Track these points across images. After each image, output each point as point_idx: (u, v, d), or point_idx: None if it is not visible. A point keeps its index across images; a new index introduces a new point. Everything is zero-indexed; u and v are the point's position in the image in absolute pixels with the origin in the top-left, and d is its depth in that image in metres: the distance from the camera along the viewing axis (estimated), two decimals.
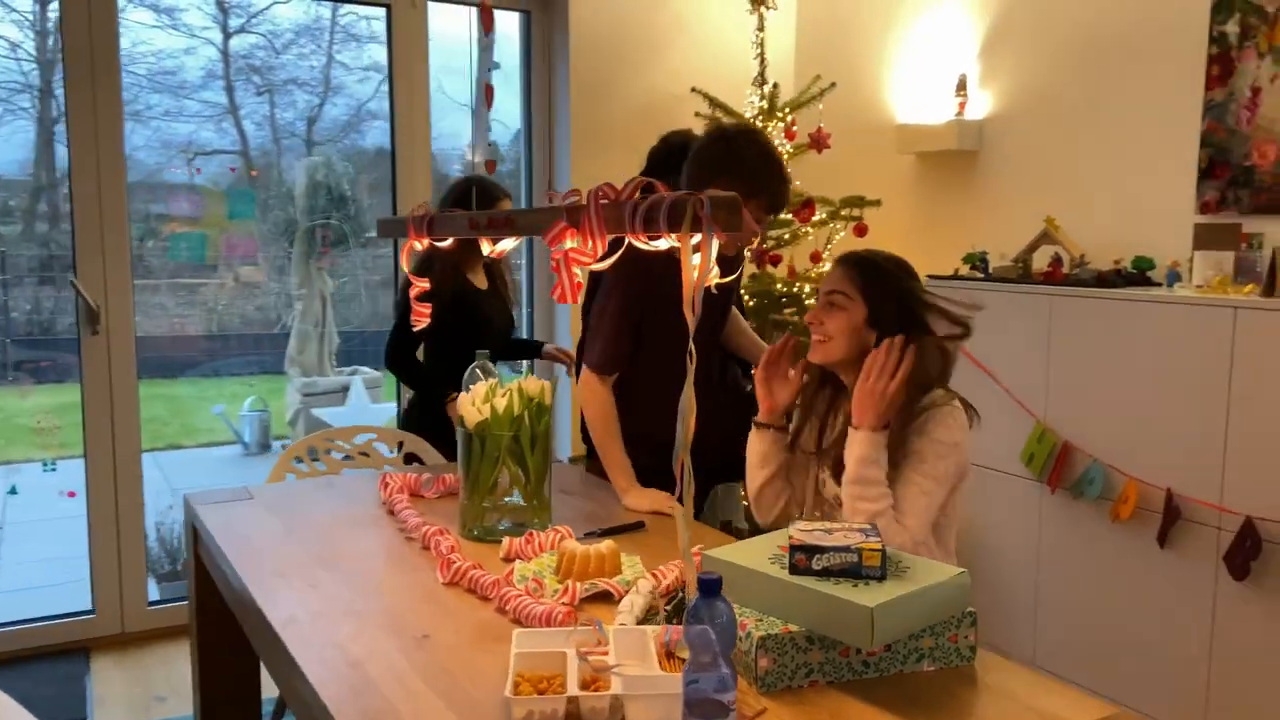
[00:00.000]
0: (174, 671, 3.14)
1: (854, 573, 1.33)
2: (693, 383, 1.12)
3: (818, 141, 3.49)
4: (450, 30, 3.97)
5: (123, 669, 3.17)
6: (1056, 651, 2.81)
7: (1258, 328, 2.33)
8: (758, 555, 1.43)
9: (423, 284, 1.91)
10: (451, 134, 4.57)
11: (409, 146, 3.75)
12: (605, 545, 1.68)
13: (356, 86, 6.11)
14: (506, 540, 1.82)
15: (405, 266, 1.98)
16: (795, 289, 3.47)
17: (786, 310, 3.46)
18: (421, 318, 1.89)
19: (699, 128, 3.70)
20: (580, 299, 1.35)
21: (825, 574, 1.33)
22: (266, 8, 5.34)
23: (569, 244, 1.28)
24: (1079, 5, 3.15)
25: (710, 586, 1.11)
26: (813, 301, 3.52)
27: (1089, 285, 2.81)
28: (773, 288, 3.46)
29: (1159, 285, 2.79)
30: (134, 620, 3.37)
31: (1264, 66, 2.66)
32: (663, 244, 1.19)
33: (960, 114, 3.51)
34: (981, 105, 3.50)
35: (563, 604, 1.51)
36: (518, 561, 1.72)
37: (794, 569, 1.34)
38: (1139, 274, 2.86)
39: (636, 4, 3.98)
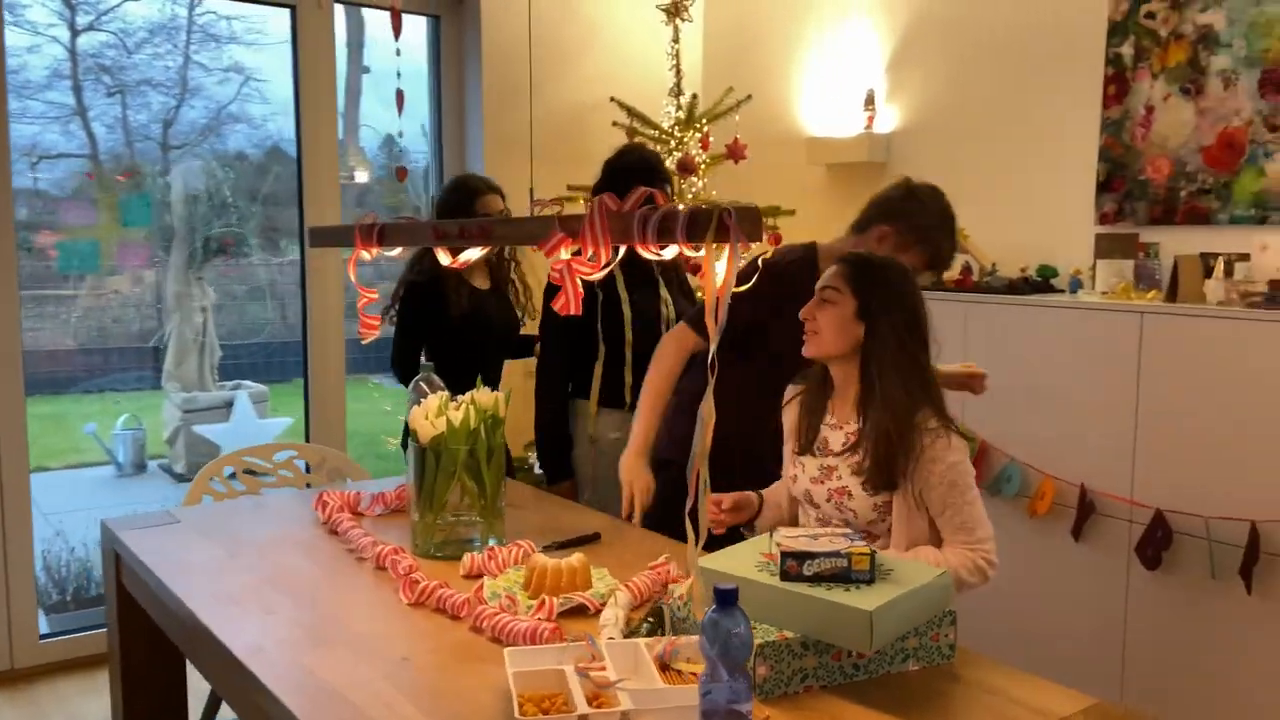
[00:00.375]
0: (72, 708, 2.93)
1: (844, 577, 1.35)
2: (713, 392, 1.12)
3: (734, 152, 3.54)
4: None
5: (15, 707, 2.95)
6: (977, 642, 2.92)
7: (1162, 331, 2.48)
8: (743, 564, 1.43)
9: (371, 294, 1.85)
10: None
11: (316, 151, 3.63)
12: (576, 558, 1.66)
13: (216, 89, 5.85)
14: (468, 557, 1.78)
15: (352, 276, 1.91)
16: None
17: None
18: (370, 329, 1.83)
19: (617, 137, 3.72)
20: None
21: (816, 580, 1.35)
22: (117, 5, 5.07)
23: (564, 253, 1.26)
24: (982, 26, 3.29)
25: (727, 597, 1.10)
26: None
27: (1000, 292, 2.94)
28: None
29: (1062, 292, 2.94)
30: (24, 656, 3.14)
31: (1157, 87, 2.84)
32: (669, 251, 1.18)
33: (869, 127, 3.62)
34: (890, 119, 3.62)
35: (539, 619, 1.48)
36: (486, 578, 1.68)
37: (785, 576, 1.35)
38: (1043, 281, 3.01)
39: (548, 12, 3.96)
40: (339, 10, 3.67)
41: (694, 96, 3.60)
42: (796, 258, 2.21)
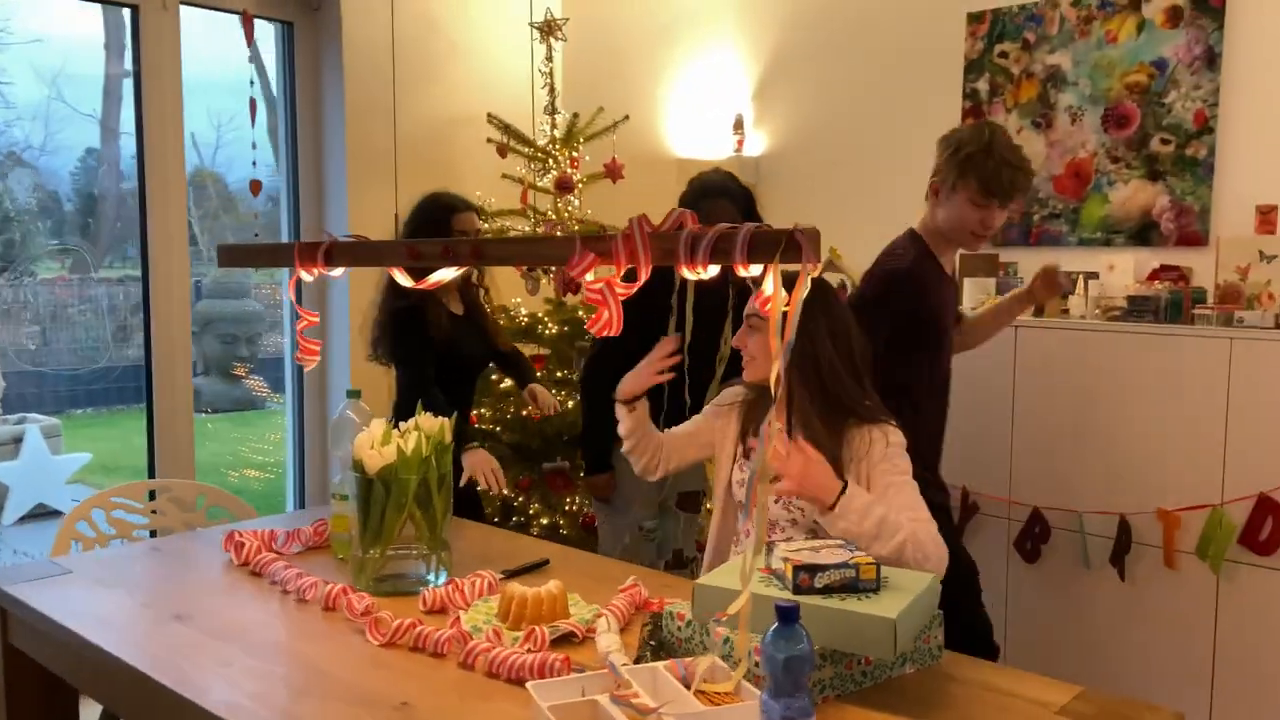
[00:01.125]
0: None
1: (853, 587, 1.39)
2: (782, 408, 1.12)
3: (613, 171, 3.56)
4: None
5: None
6: None
7: (1034, 343, 2.71)
8: (729, 580, 1.44)
9: (312, 317, 1.73)
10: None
11: (161, 162, 3.36)
12: (553, 585, 1.62)
13: None
14: (429, 591, 1.70)
15: (292, 297, 1.79)
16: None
17: (589, 335, 3.49)
18: (311, 355, 1.71)
19: (485, 154, 3.66)
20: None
21: (828, 591, 1.38)
22: None
23: (590, 275, 1.24)
24: (846, 57, 3.48)
25: (789, 614, 1.11)
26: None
27: None
28: (577, 314, 3.48)
29: None
30: None
31: (1011, 119, 3.09)
32: (713, 270, 1.18)
33: (739, 150, 3.74)
34: (758, 143, 3.75)
35: (527, 649, 1.43)
36: (460, 612, 1.61)
37: (798, 589, 1.38)
38: None
39: (409, 25, 3.85)
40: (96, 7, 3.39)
41: (575, 115, 3.59)
42: (916, 253, 2.26)
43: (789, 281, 1.11)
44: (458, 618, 1.58)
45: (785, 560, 1.41)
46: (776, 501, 1.87)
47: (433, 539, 1.80)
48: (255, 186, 3.60)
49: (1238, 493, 2.37)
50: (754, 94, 3.75)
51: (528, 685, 1.28)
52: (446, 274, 1.54)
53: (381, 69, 3.79)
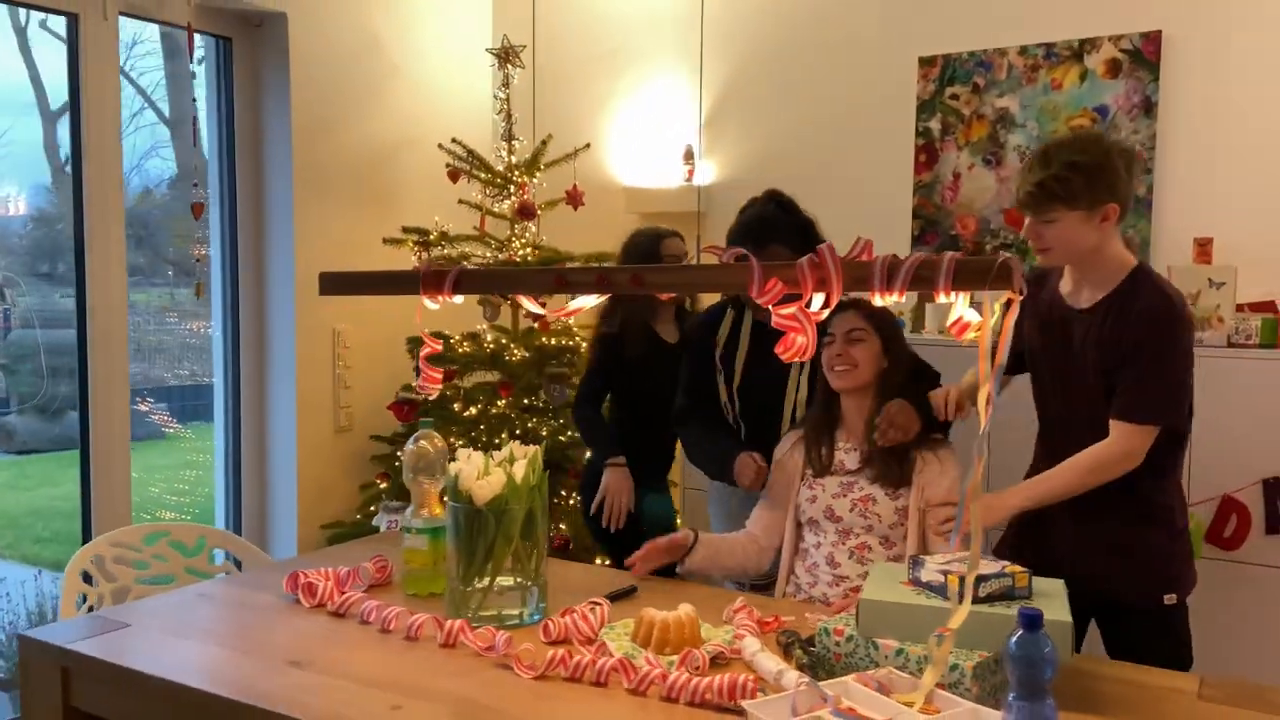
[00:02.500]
0: None
1: (1009, 595, 1.48)
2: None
3: (574, 198, 3.57)
4: None
5: None
6: None
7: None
8: (897, 593, 1.51)
9: (435, 344, 1.68)
10: None
11: (100, 176, 3.13)
12: (685, 609, 1.63)
13: None
14: (551, 621, 1.67)
15: (419, 324, 1.72)
16: (569, 341, 3.51)
17: (555, 361, 3.49)
18: (432, 383, 1.67)
19: (430, 178, 3.60)
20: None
21: (990, 599, 1.46)
22: None
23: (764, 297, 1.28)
24: (796, 93, 3.64)
25: (1034, 621, 1.19)
26: (585, 348, 3.59)
27: None
28: (546, 342, 3.46)
29: None
30: None
31: (962, 157, 3.33)
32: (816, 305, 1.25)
33: (689, 180, 3.83)
34: (708, 173, 3.86)
35: (687, 672, 1.45)
36: (604, 637, 1.60)
37: (964, 599, 1.46)
38: None
39: (354, 42, 3.75)
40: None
41: (544, 141, 3.58)
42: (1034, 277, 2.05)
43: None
44: (603, 644, 1.57)
45: (945, 573, 1.49)
46: (853, 510, 2.00)
47: (535, 570, 1.77)
48: (197, 209, 3.42)
49: (1204, 495, 2.63)
50: (704, 125, 3.86)
51: (745, 705, 1.30)
52: (586, 301, 1.54)
53: (327, 88, 3.67)
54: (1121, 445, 1.81)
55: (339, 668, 1.54)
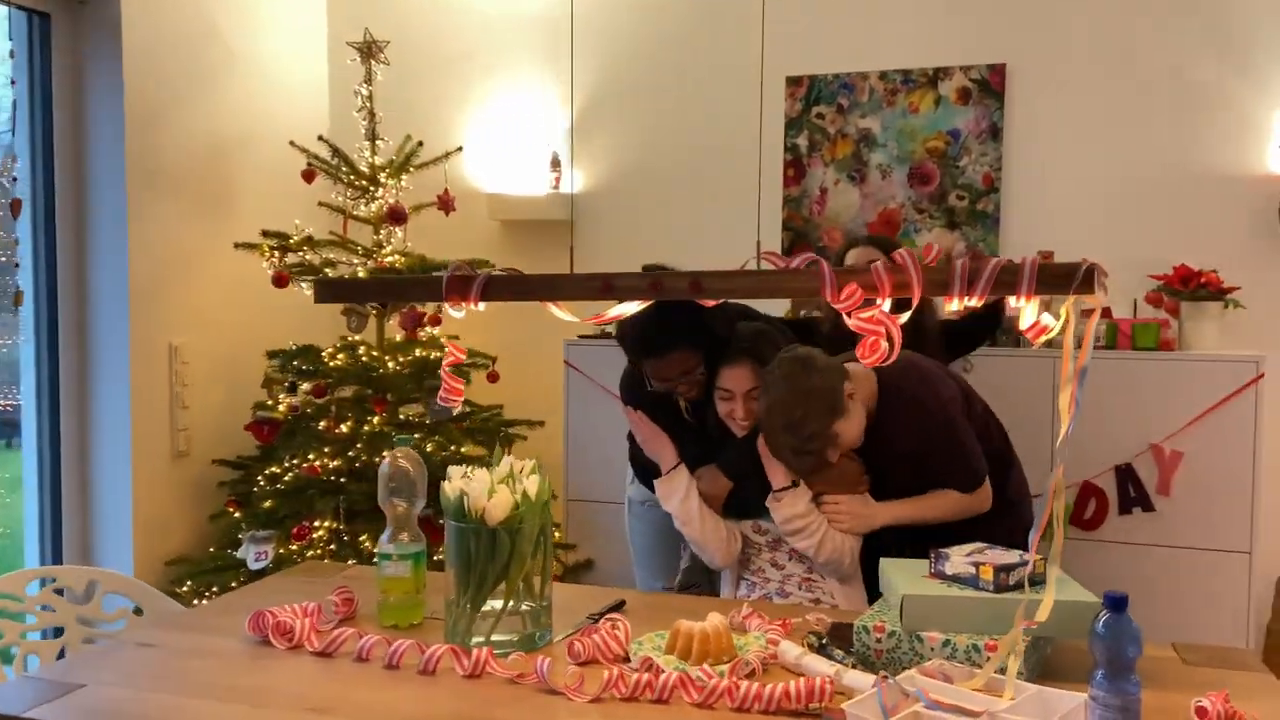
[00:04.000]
0: None
1: (1034, 581, 1.58)
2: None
3: (445, 203, 3.44)
4: None
5: None
6: None
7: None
8: (935, 587, 1.58)
9: (460, 353, 1.57)
10: None
11: None
12: (716, 619, 1.62)
13: None
14: (578, 642, 1.60)
15: (441, 334, 1.57)
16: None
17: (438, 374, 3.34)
18: (456, 394, 1.55)
19: (274, 174, 3.35)
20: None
21: (1018, 586, 1.56)
22: None
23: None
24: (666, 106, 3.70)
25: (1119, 603, 1.28)
26: (477, 361, 3.46)
27: None
28: (429, 354, 3.31)
29: None
30: None
31: (829, 173, 3.52)
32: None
33: (556, 187, 3.79)
34: (576, 181, 3.84)
35: (743, 678, 1.45)
36: (655, 653, 1.55)
37: (1000, 587, 1.55)
38: None
39: (189, 28, 3.43)
40: None
41: (419, 143, 3.42)
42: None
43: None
44: (648, 659, 1.53)
45: (976, 565, 1.57)
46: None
47: (542, 590, 1.70)
48: (16, 206, 3.00)
49: (1066, 481, 2.93)
50: (571, 132, 3.83)
51: (846, 708, 1.31)
52: (628, 308, 1.50)
53: (162, 75, 3.33)
54: (971, 500, 2.15)
55: (371, 712, 1.40)
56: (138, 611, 2.09)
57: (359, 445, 3.17)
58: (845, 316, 1.36)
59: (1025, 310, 1.38)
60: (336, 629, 1.69)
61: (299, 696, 1.45)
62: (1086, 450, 2.93)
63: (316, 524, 3.06)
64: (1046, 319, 1.39)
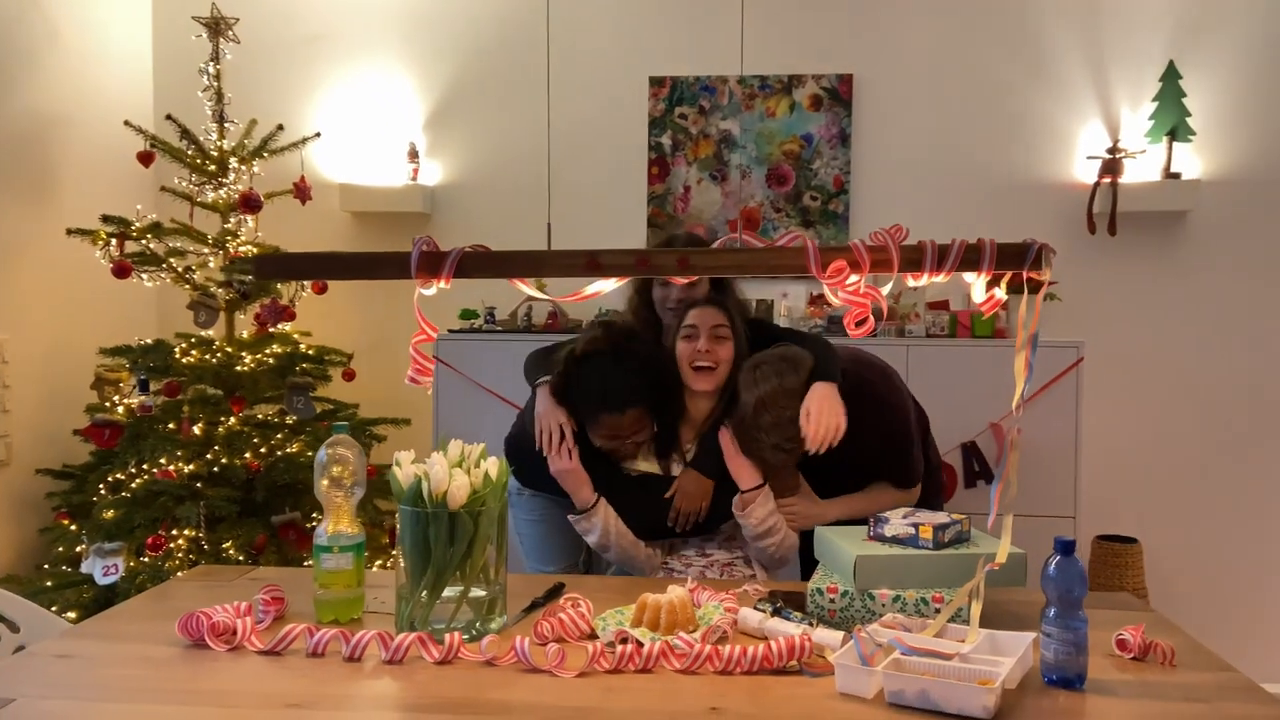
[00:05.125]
0: None
1: (964, 539, 1.73)
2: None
3: (302, 191, 3.29)
4: None
5: None
6: None
7: None
8: (881, 548, 1.69)
9: (431, 330, 1.51)
10: None
11: None
12: (678, 591, 1.66)
13: None
14: (550, 622, 1.60)
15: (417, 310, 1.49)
16: (308, 349, 3.21)
17: (304, 367, 3.19)
18: (425, 375, 1.51)
19: (113, 159, 3.09)
20: None
21: (953, 543, 1.70)
22: None
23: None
24: (528, 100, 3.69)
25: (1069, 547, 1.43)
26: (332, 359, 3.32)
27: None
28: (299, 347, 3.14)
29: None
30: None
31: (692, 172, 3.63)
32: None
33: (414, 179, 3.70)
34: (434, 173, 3.76)
35: (735, 647, 1.50)
36: (609, 628, 1.57)
37: (939, 544, 1.68)
38: None
39: (4, 3, 3.11)
40: None
41: (279, 126, 3.24)
42: None
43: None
44: (622, 632, 1.55)
45: (916, 525, 1.70)
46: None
47: (495, 576, 1.68)
48: None
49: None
50: (427, 123, 3.75)
51: (833, 660, 1.38)
52: (606, 286, 1.52)
53: None
54: (905, 496, 2.26)
55: (361, 703, 1.35)
56: (13, 628, 1.89)
57: (216, 448, 2.97)
58: (831, 293, 1.44)
59: (976, 285, 1.50)
60: (286, 627, 1.60)
61: (270, 695, 1.37)
62: (937, 431, 3.18)
63: (174, 533, 2.84)
64: (998, 293, 1.52)
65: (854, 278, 1.44)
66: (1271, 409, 3.51)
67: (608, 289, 1.53)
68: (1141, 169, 3.46)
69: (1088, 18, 3.51)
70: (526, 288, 1.54)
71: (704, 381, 2.15)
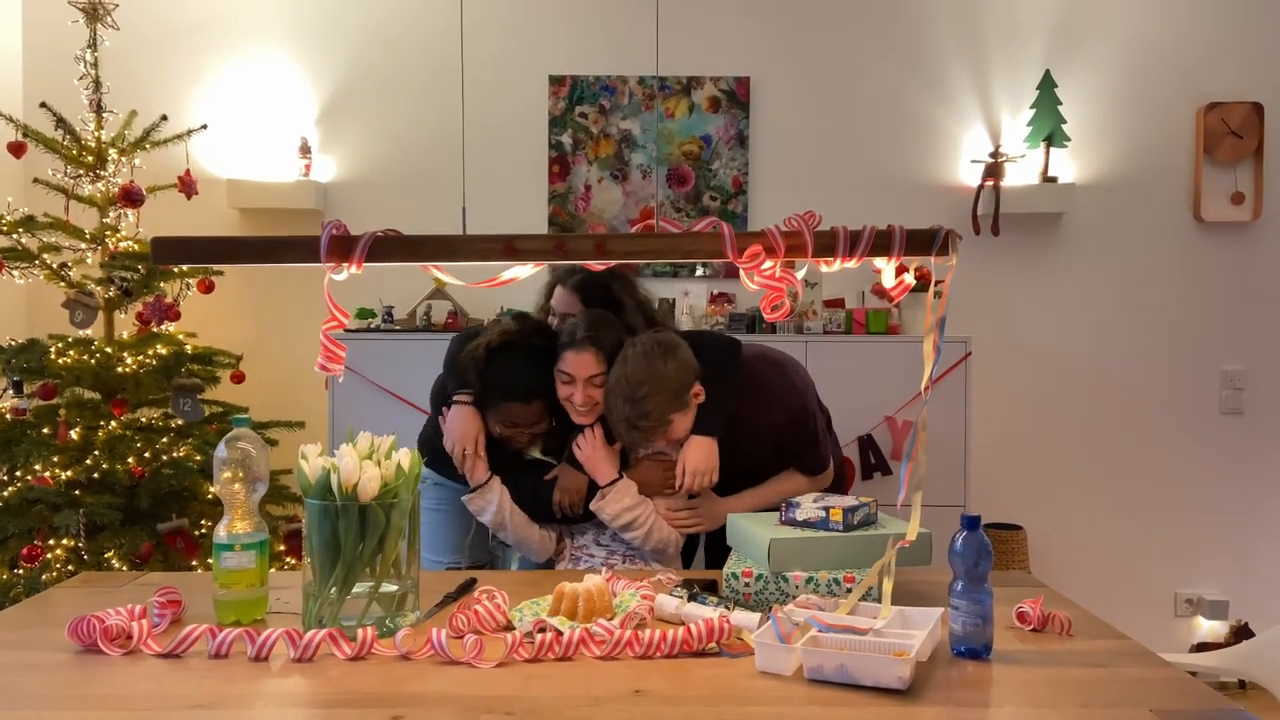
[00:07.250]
0: None
1: (871, 521, 1.77)
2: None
3: (187, 186, 3.16)
4: None
5: None
6: None
7: None
8: (793, 532, 1.72)
9: (343, 316, 1.46)
10: None
11: None
12: (597, 579, 1.66)
13: None
14: (470, 614, 1.57)
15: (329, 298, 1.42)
16: (192, 348, 3.08)
17: (191, 368, 3.05)
18: (336, 363, 1.46)
19: None
20: None
21: (862, 525, 1.74)
22: None
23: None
24: (424, 94, 3.63)
25: (974, 522, 1.48)
26: (220, 360, 3.19)
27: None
28: (184, 348, 3.00)
29: None
30: None
31: (592, 171, 3.63)
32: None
33: (306, 175, 3.60)
34: (327, 168, 3.66)
35: (654, 631, 1.51)
36: (526, 618, 1.55)
37: (849, 526, 1.72)
38: None
39: None
40: None
41: (163, 117, 3.09)
42: None
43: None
44: (540, 622, 1.53)
45: (826, 509, 1.73)
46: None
47: (406, 571, 1.64)
48: None
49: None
50: (320, 117, 3.65)
51: (753, 640, 1.40)
52: (522, 272, 1.50)
53: None
54: (814, 483, 2.28)
55: (273, 701, 1.30)
56: None
57: (96, 452, 2.82)
58: (748, 277, 1.46)
59: (886, 270, 1.55)
60: (186, 629, 1.53)
61: (173, 697, 1.30)
62: (835, 424, 3.26)
63: (51, 542, 2.68)
64: (908, 278, 1.56)
65: (769, 263, 1.46)
66: (1142, 397, 3.73)
67: (524, 274, 1.51)
68: (1021, 173, 3.63)
69: (971, 27, 3.67)
70: (440, 273, 1.51)
71: (584, 419, 2.17)
